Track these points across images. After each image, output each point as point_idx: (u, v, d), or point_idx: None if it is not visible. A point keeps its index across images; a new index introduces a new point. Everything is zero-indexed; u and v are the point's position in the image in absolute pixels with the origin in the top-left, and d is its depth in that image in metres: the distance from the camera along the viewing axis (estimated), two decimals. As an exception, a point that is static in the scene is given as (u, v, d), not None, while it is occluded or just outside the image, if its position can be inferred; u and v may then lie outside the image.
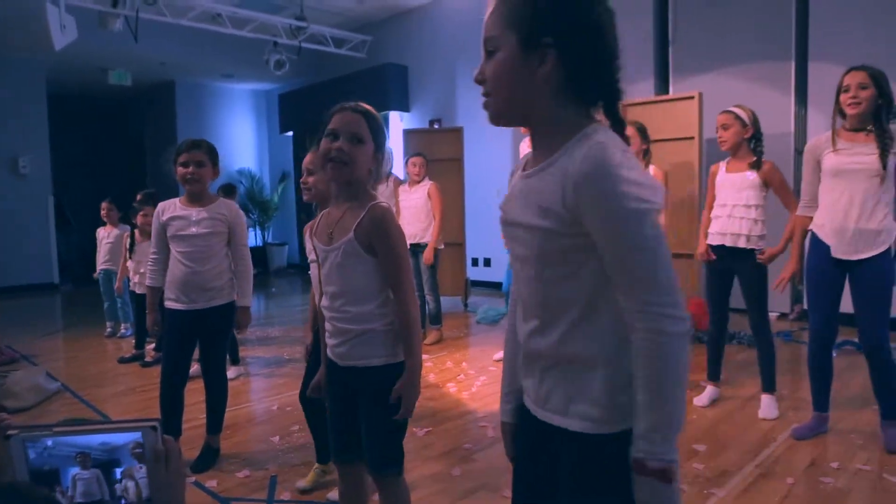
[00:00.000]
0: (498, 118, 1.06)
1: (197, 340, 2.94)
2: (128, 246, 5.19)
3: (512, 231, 1.09)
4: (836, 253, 2.84)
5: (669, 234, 4.00)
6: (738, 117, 3.27)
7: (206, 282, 2.83)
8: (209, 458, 2.94)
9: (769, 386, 3.35)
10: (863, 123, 2.78)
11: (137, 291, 4.96)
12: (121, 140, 12.39)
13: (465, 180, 6.82)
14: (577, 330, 1.02)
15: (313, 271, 1.86)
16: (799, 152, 5.71)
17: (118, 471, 0.97)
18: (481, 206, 7.06)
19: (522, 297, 1.11)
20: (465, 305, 6.89)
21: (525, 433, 1.19)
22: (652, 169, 3.73)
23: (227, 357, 4.47)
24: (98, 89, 10.50)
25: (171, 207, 2.88)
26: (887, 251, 2.76)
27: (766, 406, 3.32)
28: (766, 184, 3.26)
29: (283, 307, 7.83)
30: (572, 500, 1.06)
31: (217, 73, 10.44)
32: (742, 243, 3.27)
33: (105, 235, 5.76)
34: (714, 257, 3.39)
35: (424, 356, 4.81)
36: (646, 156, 3.79)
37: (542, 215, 1.00)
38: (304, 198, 2.39)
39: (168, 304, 2.87)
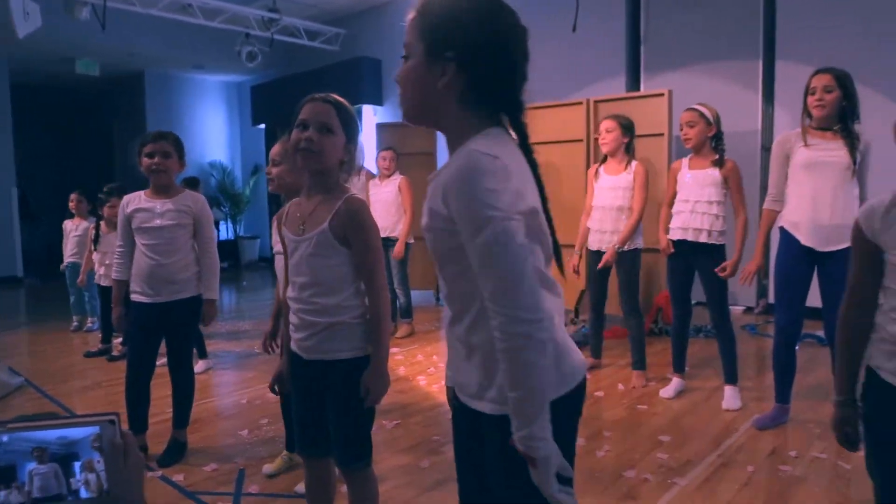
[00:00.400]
0: (408, 117, 1.18)
1: (163, 334, 2.91)
2: (93, 237, 5.11)
3: (426, 234, 1.17)
4: (808, 242, 2.90)
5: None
6: (702, 115, 3.33)
7: (172, 274, 2.81)
8: (176, 452, 2.91)
9: (731, 378, 3.43)
10: (829, 124, 2.85)
11: (102, 284, 4.89)
12: (89, 131, 12.14)
13: (437, 175, 6.82)
14: (479, 324, 1.11)
15: (279, 263, 1.85)
16: (766, 149, 5.82)
17: (77, 465, 0.97)
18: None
19: (442, 290, 1.21)
20: (437, 299, 6.91)
21: (455, 409, 1.28)
22: (634, 165, 3.74)
23: (195, 351, 4.46)
24: (65, 79, 10.27)
25: (135, 200, 2.85)
26: None
27: (729, 397, 3.39)
28: (726, 181, 3.33)
29: (254, 301, 7.78)
30: (493, 476, 1.17)
31: (188, 64, 10.29)
32: (703, 238, 3.34)
33: (73, 228, 5.67)
34: (673, 250, 3.45)
35: (395, 349, 4.83)
36: (628, 150, 3.79)
37: (432, 216, 1.10)
38: (269, 188, 2.38)
39: (133, 297, 2.84)
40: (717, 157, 3.34)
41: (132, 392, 2.88)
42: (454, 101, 1.10)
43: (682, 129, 3.40)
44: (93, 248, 5.11)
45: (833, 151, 2.84)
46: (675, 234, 3.44)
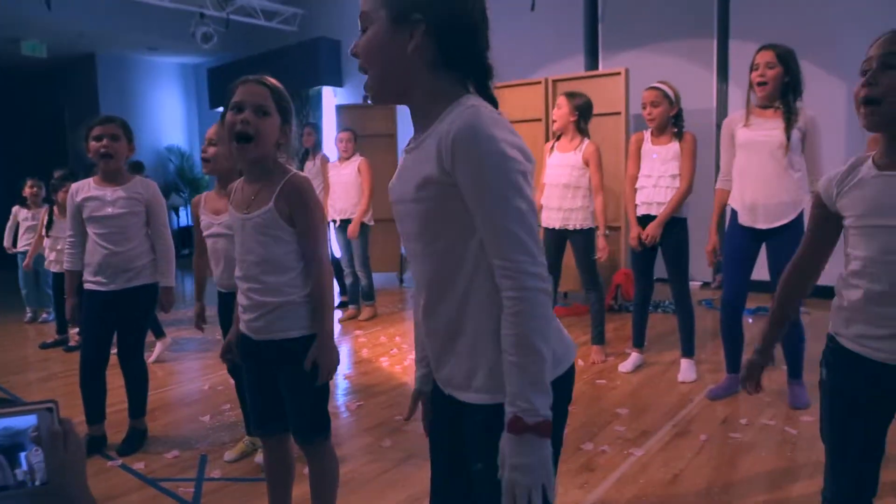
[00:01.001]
0: (375, 92, 1.10)
1: (117, 322, 2.86)
2: (45, 223, 4.98)
3: (399, 209, 1.12)
4: (748, 222, 2.99)
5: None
6: (665, 95, 3.37)
7: (125, 262, 2.76)
8: (136, 440, 2.89)
9: (688, 351, 3.52)
10: (770, 100, 2.91)
11: (53, 270, 4.79)
12: (38, 115, 11.76)
13: (398, 156, 6.80)
14: (467, 302, 1.06)
15: (218, 243, 1.96)
16: (720, 126, 5.93)
17: (23, 455, 0.96)
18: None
19: (415, 274, 1.15)
20: (401, 281, 6.92)
21: (436, 405, 1.24)
22: (585, 144, 3.73)
23: (151, 332, 4.39)
24: (10, 61, 9.90)
25: (84, 188, 2.77)
26: (799, 219, 2.91)
27: (685, 370, 3.49)
28: (682, 150, 3.39)
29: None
30: (481, 467, 1.10)
31: (141, 46, 10.00)
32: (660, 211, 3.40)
33: (27, 216, 5.51)
34: (640, 249, 3.49)
35: (358, 332, 4.84)
36: (579, 129, 3.75)
37: (422, 186, 1.03)
38: (204, 170, 2.36)
39: (87, 285, 2.79)
40: (676, 130, 3.40)
41: (88, 382, 2.83)
42: (424, 67, 1.04)
43: (644, 108, 3.42)
44: (44, 233, 4.99)
45: (769, 131, 2.90)
46: (640, 210, 3.49)
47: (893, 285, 1.30)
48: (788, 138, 2.85)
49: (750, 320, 4.69)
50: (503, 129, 0.99)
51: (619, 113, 5.09)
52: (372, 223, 5.06)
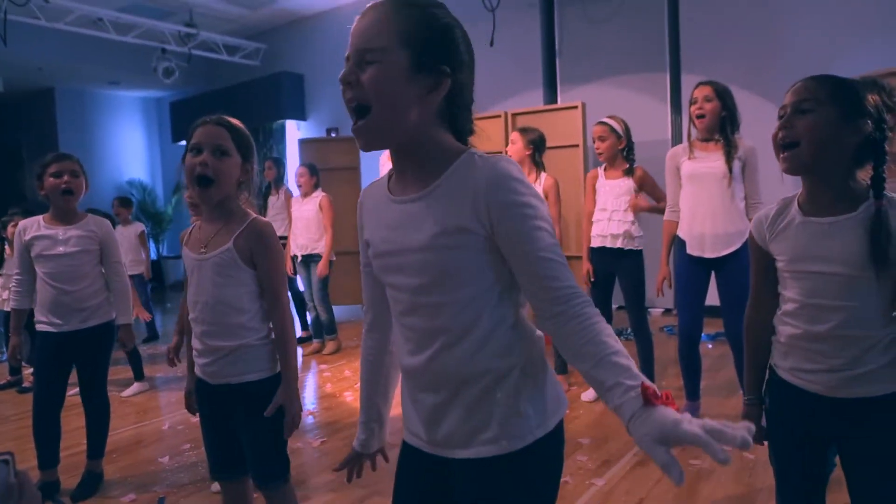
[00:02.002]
0: (379, 137, 1.03)
1: (72, 363, 2.80)
2: None
3: (396, 260, 1.07)
4: (697, 252, 3.08)
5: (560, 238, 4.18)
6: (612, 129, 3.48)
7: (79, 302, 2.71)
8: (91, 484, 2.81)
9: (647, 378, 3.56)
10: (710, 133, 3.03)
11: (5, 309, 4.66)
12: (-6, 150, 11.53)
13: (362, 189, 6.82)
14: (483, 349, 1.04)
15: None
16: (676, 158, 6.11)
17: None
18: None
19: (413, 329, 1.08)
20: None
21: (408, 467, 1.18)
22: (543, 178, 3.83)
23: (133, 373, 4.35)
24: (-34, 96, 9.75)
25: (33, 226, 2.71)
26: (745, 247, 3.00)
27: None
28: (640, 187, 3.50)
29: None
30: None
31: (102, 80, 9.94)
32: (620, 244, 3.49)
33: None
34: (594, 279, 3.60)
35: (323, 366, 4.80)
36: (534, 162, 3.83)
37: (449, 235, 1.00)
38: (192, 212, 2.36)
39: (39, 326, 2.73)
40: (627, 166, 3.50)
41: (41, 426, 2.74)
42: (433, 119, 1.02)
43: (594, 143, 3.54)
44: None
45: (712, 163, 3.01)
46: (595, 242, 3.57)
47: (821, 325, 1.37)
48: (730, 169, 2.96)
49: (709, 346, 4.79)
50: (524, 177, 1.01)
51: (576, 145, 5.20)
52: (334, 258, 5.05)
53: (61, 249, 2.69)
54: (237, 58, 8.96)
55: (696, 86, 3.04)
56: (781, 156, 1.39)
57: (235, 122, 1.78)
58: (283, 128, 9.00)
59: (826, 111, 1.33)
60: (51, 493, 2.73)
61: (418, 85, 0.98)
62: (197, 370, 1.82)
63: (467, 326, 1.03)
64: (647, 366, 3.56)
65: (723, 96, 2.97)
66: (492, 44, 6.59)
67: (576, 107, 5.29)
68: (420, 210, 1.03)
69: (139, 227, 5.99)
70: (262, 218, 1.79)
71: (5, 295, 4.68)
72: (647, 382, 0.90)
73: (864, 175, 1.36)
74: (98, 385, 2.87)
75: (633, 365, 0.90)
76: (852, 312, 1.34)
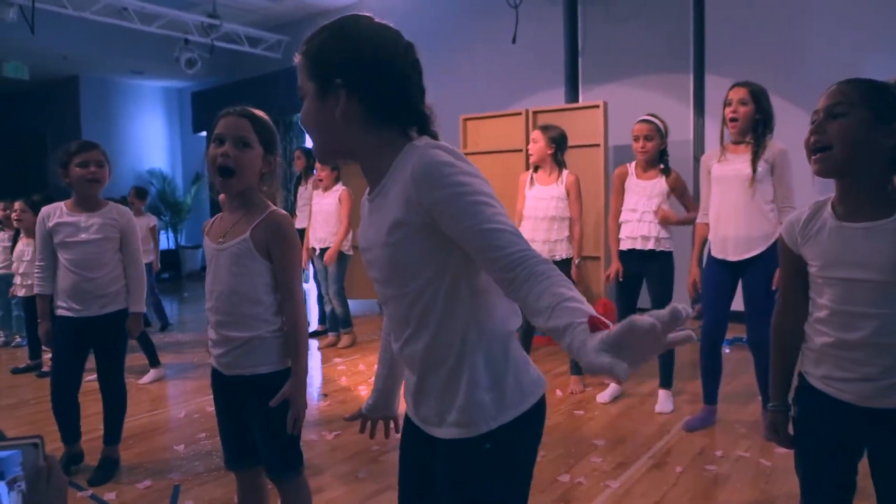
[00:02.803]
0: (321, 158, 1.17)
1: (90, 348, 2.83)
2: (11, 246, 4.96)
3: (369, 255, 1.16)
4: (720, 255, 3.05)
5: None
6: (659, 129, 3.43)
7: (99, 289, 2.74)
8: (108, 469, 2.84)
9: (666, 382, 3.54)
10: (742, 136, 2.99)
11: (20, 294, 4.74)
12: (19, 137, 11.68)
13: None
14: (437, 342, 1.10)
15: None
16: (697, 159, 6.04)
17: (1, 484, 0.96)
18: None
19: (389, 317, 1.20)
20: (381, 308, 6.89)
21: (407, 438, 1.27)
22: (565, 175, 3.79)
23: (148, 360, 4.40)
24: (-8, 83, 9.87)
25: (56, 213, 2.75)
26: (770, 251, 2.94)
27: (663, 401, 3.51)
28: (672, 191, 3.46)
29: (196, 312, 7.61)
30: (450, 500, 1.14)
31: (125, 70, 10.03)
32: (651, 245, 3.43)
33: (2, 238, 5.45)
34: (622, 279, 3.54)
35: (338, 360, 4.81)
36: (556, 161, 3.80)
37: (390, 231, 1.06)
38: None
39: (59, 311, 2.77)
40: (662, 166, 3.46)
41: (60, 407, 2.81)
42: (359, 127, 1.09)
43: (637, 141, 3.43)
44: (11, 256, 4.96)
45: (738, 165, 2.97)
46: (625, 244, 3.51)
47: (854, 333, 1.34)
48: (754, 170, 2.92)
49: (727, 350, 4.74)
50: (454, 156, 1.03)
51: (597, 145, 5.17)
52: (350, 252, 5.05)
53: (84, 237, 2.72)
54: (259, 49, 9.00)
55: (732, 87, 2.99)
56: (813, 158, 1.37)
57: (259, 113, 1.78)
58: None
59: (859, 114, 1.31)
60: (76, 463, 2.88)
61: (328, 106, 1.08)
62: (212, 360, 1.83)
63: (423, 317, 1.10)
64: (667, 370, 3.53)
65: (758, 98, 2.92)
66: (514, 41, 6.57)
67: (597, 106, 5.25)
68: (375, 208, 1.12)
69: (152, 220, 6.06)
70: (281, 210, 1.79)
71: (18, 280, 4.75)
72: (595, 315, 0.86)
73: None
74: (115, 371, 2.90)
75: (584, 306, 0.88)
76: (887, 320, 1.31)
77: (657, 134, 3.42)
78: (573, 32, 6.70)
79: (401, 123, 1.11)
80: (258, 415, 1.75)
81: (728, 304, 3.11)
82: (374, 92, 1.07)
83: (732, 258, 3.00)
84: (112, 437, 2.90)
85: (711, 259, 3.11)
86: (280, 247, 1.73)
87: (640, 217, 3.46)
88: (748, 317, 3.05)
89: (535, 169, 3.90)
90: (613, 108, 5.40)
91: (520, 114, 5.65)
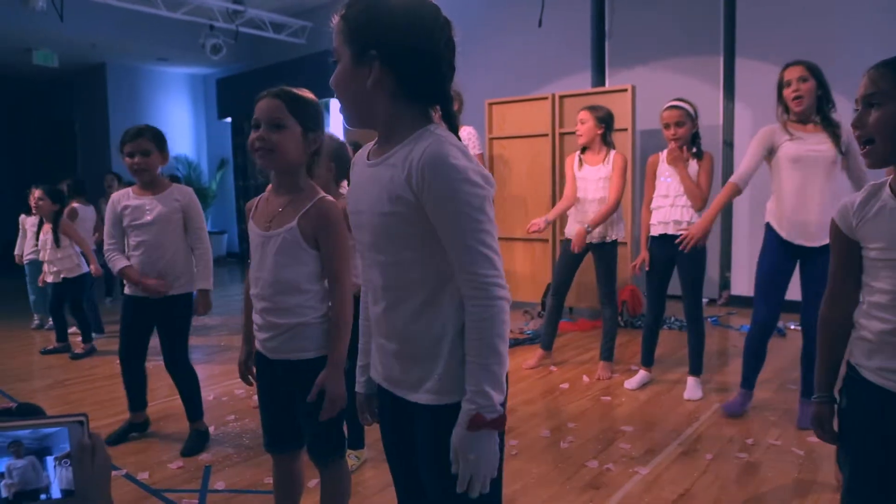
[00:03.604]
0: (349, 121, 1.20)
1: (153, 327, 2.97)
2: (35, 233, 5.06)
3: (360, 219, 1.20)
4: (794, 239, 2.93)
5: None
6: (689, 114, 3.36)
7: (164, 270, 2.86)
8: (197, 441, 2.98)
9: (696, 369, 3.50)
10: (807, 116, 2.88)
11: (49, 280, 4.83)
12: (48, 124, 11.87)
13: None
14: (424, 311, 1.15)
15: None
16: (727, 144, 5.95)
17: (49, 459, 0.98)
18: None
19: (372, 281, 1.22)
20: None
21: (383, 406, 1.33)
22: (613, 155, 3.74)
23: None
24: (22, 70, 10.02)
25: (125, 196, 2.89)
26: None
27: (692, 388, 3.47)
28: (699, 174, 3.38)
29: (222, 297, 7.68)
30: (428, 463, 1.21)
31: (151, 57, 10.10)
32: (683, 230, 3.33)
33: (33, 223, 5.53)
34: (648, 268, 3.51)
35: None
36: (605, 141, 3.77)
37: (390, 201, 1.11)
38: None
39: (127, 289, 2.91)
40: (695, 150, 3.40)
41: (126, 378, 3.05)
42: (387, 98, 1.12)
43: (668, 128, 3.38)
44: (35, 243, 5.06)
45: (818, 145, 2.85)
46: (656, 230, 3.45)
47: None
48: (841, 152, 2.82)
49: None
50: (466, 158, 1.08)
51: (625, 129, 5.10)
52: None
53: (149, 218, 2.83)
54: (283, 35, 9.01)
55: (785, 67, 2.90)
56: (861, 152, 1.35)
57: (294, 91, 1.72)
58: (327, 106, 9.05)
59: (894, 102, 1.26)
60: (139, 430, 3.13)
61: (361, 74, 1.11)
62: (257, 344, 1.82)
63: (410, 287, 1.15)
64: (697, 357, 3.49)
65: (817, 74, 2.84)
66: (540, 24, 6.50)
67: (625, 90, 5.18)
68: (374, 174, 1.15)
69: None
70: (330, 198, 1.75)
71: (53, 268, 4.79)
72: (480, 415, 1.07)
73: None
74: (179, 352, 3.00)
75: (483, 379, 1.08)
76: None
77: (688, 119, 3.36)
78: (600, 15, 6.61)
79: (426, 101, 1.15)
80: (302, 399, 1.73)
81: (784, 292, 3.03)
82: (406, 67, 1.10)
83: (808, 244, 2.90)
84: (194, 413, 3.04)
85: (776, 243, 2.98)
86: (328, 235, 1.70)
87: (673, 202, 3.40)
88: (806, 304, 2.93)
89: (583, 150, 3.85)
90: (641, 91, 5.32)
91: (546, 98, 5.59)
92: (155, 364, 3.20)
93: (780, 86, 2.92)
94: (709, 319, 5.28)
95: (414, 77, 1.11)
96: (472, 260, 1.07)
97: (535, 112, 5.63)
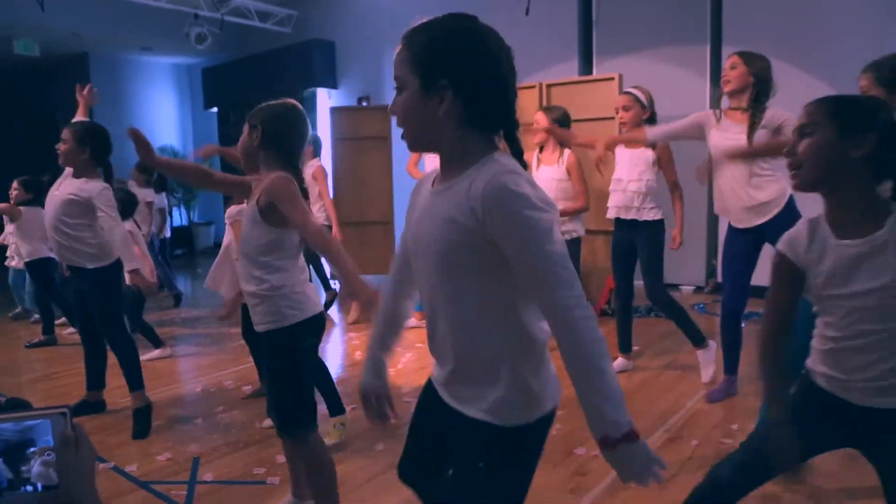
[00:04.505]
0: (412, 146, 1.21)
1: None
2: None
3: (419, 246, 1.22)
4: (738, 223, 3.04)
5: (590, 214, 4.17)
6: (637, 99, 3.46)
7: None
8: (141, 419, 3.05)
9: (698, 340, 3.50)
10: (738, 102, 2.96)
11: (13, 266, 4.94)
12: (30, 114, 11.70)
13: (392, 158, 6.80)
14: (483, 335, 1.17)
15: None
16: (713, 133, 5.97)
17: (31, 451, 0.98)
18: (409, 185, 7.05)
19: (433, 302, 1.23)
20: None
21: (427, 400, 1.36)
22: (567, 155, 3.90)
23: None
24: (2, 60, 9.85)
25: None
26: (790, 205, 2.90)
27: (705, 364, 3.47)
28: (658, 160, 3.46)
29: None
30: (463, 478, 1.24)
31: (135, 46, 9.97)
32: (633, 215, 3.47)
33: None
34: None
35: (352, 334, 4.84)
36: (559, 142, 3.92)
37: (454, 230, 1.12)
38: None
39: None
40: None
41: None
42: (454, 125, 1.13)
43: (617, 112, 3.52)
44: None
45: (734, 135, 2.94)
46: (612, 213, 3.57)
47: (854, 342, 1.38)
48: (750, 142, 2.89)
49: (742, 324, 4.71)
50: (529, 185, 1.09)
51: (612, 118, 5.09)
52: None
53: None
54: (269, 24, 8.92)
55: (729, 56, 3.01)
56: (791, 174, 1.44)
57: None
58: (313, 96, 8.98)
59: (824, 132, 1.36)
60: (94, 410, 3.26)
61: (430, 103, 1.12)
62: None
63: (471, 313, 1.16)
64: (688, 327, 3.52)
65: (750, 63, 2.90)
66: (527, 13, 6.48)
67: (612, 78, 5.19)
68: (438, 203, 1.17)
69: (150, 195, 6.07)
70: (280, 173, 1.89)
71: (12, 254, 4.93)
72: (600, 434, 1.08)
73: (886, 190, 1.36)
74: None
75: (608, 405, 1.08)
76: (893, 332, 1.34)
77: (636, 104, 3.46)
78: (587, 4, 6.60)
79: (492, 128, 1.16)
80: (267, 369, 1.99)
81: (748, 274, 3.09)
82: (476, 95, 1.12)
83: (748, 224, 2.99)
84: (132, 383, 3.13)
85: (729, 229, 3.10)
86: (283, 204, 1.83)
87: (626, 187, 3.49)
88: None
89: (541, 149, 3.94)
90: (628, 80, 5.31)
91: (533, 87, 5.59)
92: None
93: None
94: (695, 307, 5.33)
95: (483, 104, 1.12)
96: (550, 284, 1.06)
97: (523, 101, 5.54)
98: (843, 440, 1.49)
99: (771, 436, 1.48)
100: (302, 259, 2.01)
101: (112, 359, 3.12)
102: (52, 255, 4.75)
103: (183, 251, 10.45)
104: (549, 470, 2.53)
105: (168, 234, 6.71)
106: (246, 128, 1.96)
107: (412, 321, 4.97)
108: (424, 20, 1.14)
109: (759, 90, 2.90)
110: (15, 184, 5.00)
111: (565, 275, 1.06)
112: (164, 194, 6.53)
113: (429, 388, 1.35)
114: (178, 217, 10.89)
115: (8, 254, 5.11)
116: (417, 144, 1.20)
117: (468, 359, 1.19)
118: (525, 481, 1.23)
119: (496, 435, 1.17)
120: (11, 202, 4.94)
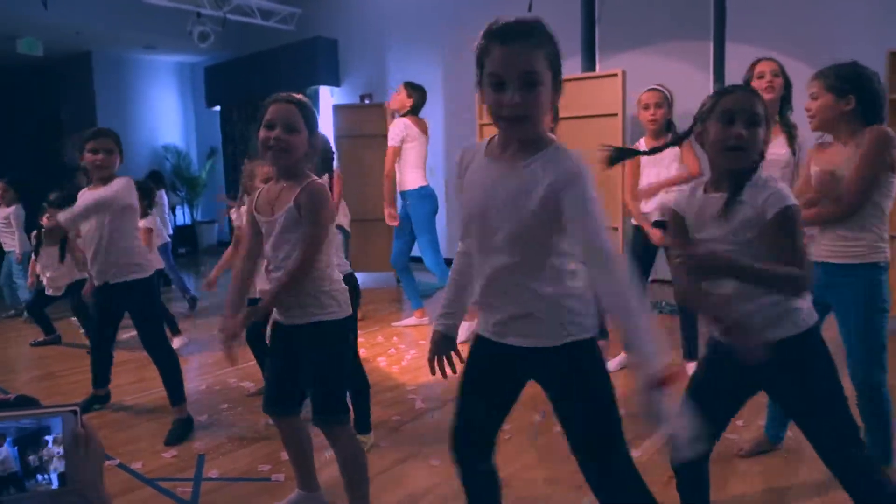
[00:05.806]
0: (525, 133, 1.42)
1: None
2: (34, 247, 4.89)
3: (485, 213, 1.44)
4: None
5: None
6: (667, 98, 3.40)
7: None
8: (178, 430, 3.01)
9: (692, 353, 3.51)
10: (773, 112, 2.83)
11: (48, 293, 4.71)
12: (34, 113, 11.72)
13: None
14: (553, 274, 1.44)
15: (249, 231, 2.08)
16: (717, 129, 5.96)
17: (49, 438, 0.98)
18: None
19: (492, 263, 1.46)
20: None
21: (481, 357, 1.58)
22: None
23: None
24: (5, 59, 9.87)
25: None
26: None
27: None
28: (683, 157, 3.40)
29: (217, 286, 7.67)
30: (582, 403, 1.52)
31: (138, 45, 9.99)
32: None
33: (4, 216, 5.53)
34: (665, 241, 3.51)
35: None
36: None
37: (535, 201, 1.38)
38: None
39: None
40: (670, 135, 3.40)
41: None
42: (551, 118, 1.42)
43: (647, 109, 3.40)
44: (34, 258, 4.89)
45: (773, 148, 2.76)
46: (656, 216, 3.43)
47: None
48: (794, 153, 2.79)
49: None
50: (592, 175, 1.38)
51: (615, 114, 5.10)
52: (349, 229, 5.00)
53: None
54: (272, 22, 8.92)
55: (758, 61, 2.87)
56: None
57: (303, 99, 1.98)
58: (316, 94, 8.98)
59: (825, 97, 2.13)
60: (100, 402, 3.34)
61: (544, 95, 1.38)
62: (276, 313, 2.05)
63: (530, 262, 1.42)
64: (690, 341, 3.52)
65: (785, 73, 2.83)
66: (530, 9, 6.46)
67: (615, 74, 5.17)
68: (510, 176, 1.41)
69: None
70: (318, 180, 1.97)
71: (46, 281, 4.71)
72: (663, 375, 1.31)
73: None
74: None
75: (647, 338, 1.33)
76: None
77: (666, 101, 3.40)
78: (590, 0, 6.58)
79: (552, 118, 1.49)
80: (310, 359, 2.03)
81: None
82: (561, 86, 1.44)
83: None
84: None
85: None
86: (310, 210, 1.91)
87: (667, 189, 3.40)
88: None
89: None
90: (632, 76, 5.31)
91: (536, 84, 5.57)
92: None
93: (750, 78, 2.85)
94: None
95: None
96: (601, 237, 1.34)
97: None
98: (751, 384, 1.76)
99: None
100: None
101: (117, 357, 3.13)
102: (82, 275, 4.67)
103: (186, 250, 10.47)
104: (554, 465, 2.53)
105: (170, 232, 6.72)
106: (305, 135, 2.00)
107: (413, 320, 5.00)
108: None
109: (789, 100, 2.84)
110: (1, 185, 4.96)
111: (606, 234, 1.37)
112: (162, 192, 6.49)
113: (477, 341, 1.56)
114: (182, 215, 10.91)
115: (46, 282, 4.72)
116: (530, 128, 1.41)
117: (527, 298, 1.43)
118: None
119: (580, 349, 1.44)
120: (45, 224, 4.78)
